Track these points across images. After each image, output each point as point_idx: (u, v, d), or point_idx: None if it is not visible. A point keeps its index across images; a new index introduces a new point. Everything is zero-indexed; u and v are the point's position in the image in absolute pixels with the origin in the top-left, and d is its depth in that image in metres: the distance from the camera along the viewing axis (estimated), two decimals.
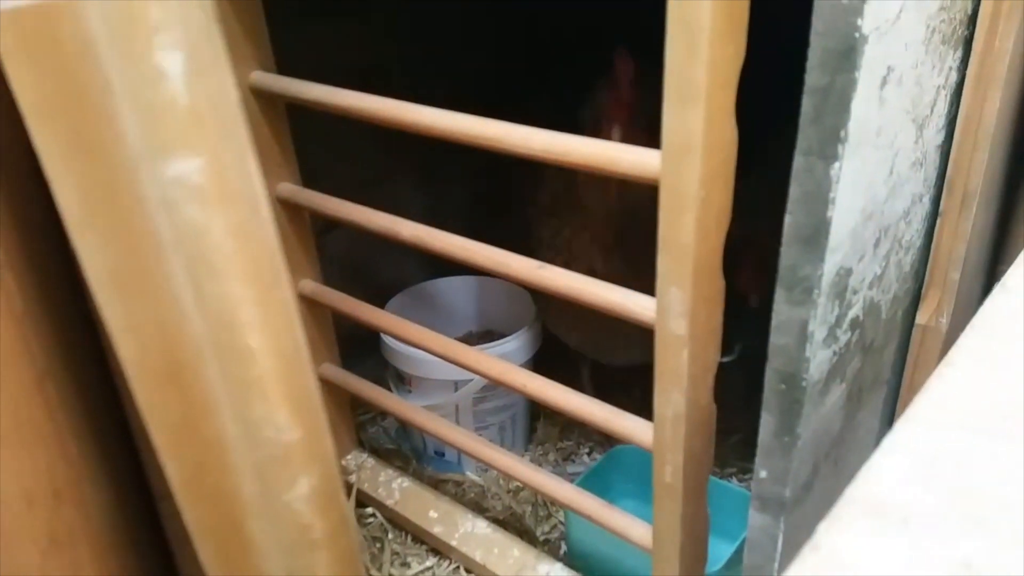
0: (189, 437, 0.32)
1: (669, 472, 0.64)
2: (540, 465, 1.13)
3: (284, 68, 0.81)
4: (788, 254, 0.54)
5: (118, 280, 0.29)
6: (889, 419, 0.82)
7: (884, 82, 0.54)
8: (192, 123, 0.25)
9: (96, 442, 0.37)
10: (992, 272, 0.88)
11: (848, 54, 0.49)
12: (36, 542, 0.32)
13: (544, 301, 1.06)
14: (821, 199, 0.52)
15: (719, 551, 0.85)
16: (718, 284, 0.56)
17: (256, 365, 0.30)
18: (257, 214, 0.28)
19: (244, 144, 0.26)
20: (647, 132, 0.81)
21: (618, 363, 1.10)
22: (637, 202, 0.94)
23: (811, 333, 0.56)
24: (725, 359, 0.61)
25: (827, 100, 0.50)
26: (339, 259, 1.13)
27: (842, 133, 0.50)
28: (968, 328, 0.48)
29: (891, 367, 0.78)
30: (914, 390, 0.79)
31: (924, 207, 0.71)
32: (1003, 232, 0.87)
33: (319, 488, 0.33)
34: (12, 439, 0.31)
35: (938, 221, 0.72)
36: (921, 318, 0.76)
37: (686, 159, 0.49)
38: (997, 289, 0.50)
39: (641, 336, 0.93)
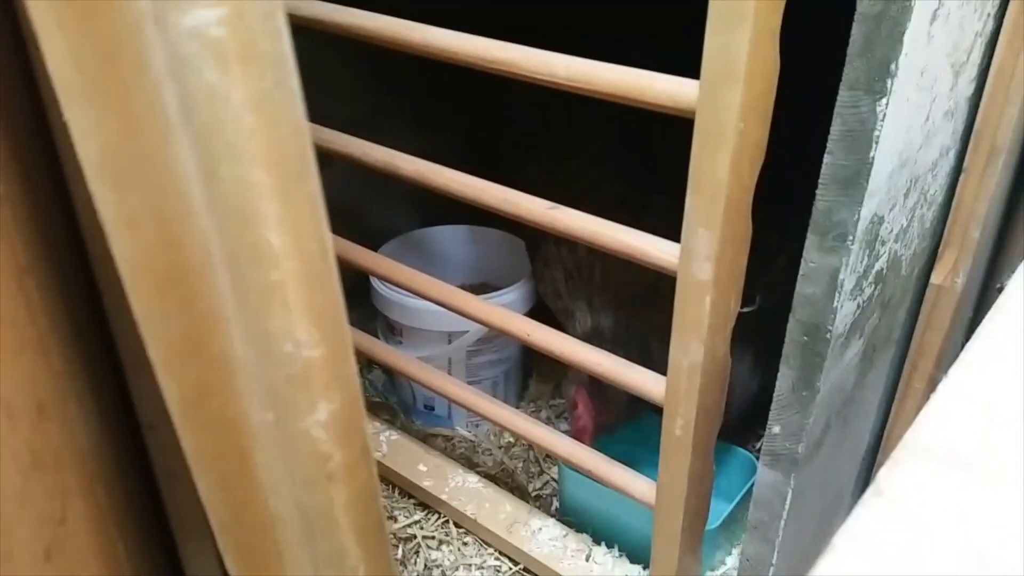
0: (193, 354, 0.28)
1: (680, 425, 0.61)
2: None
3: None
4: (824, 196, 0.51)
5: (115, 163, 0.25)
6: (895, 380, 0.80)
7: (934, 17, 0.50)
8: None
9: (82, 358, 0.33)
10: (1004, 234, 0.86)
11: None
12: (16, 461, 0.29)
13: (539, 262, 1.02)
14: (865, 137, 0.49)
15: (714, 510, 0.83)
16: (747, 226, 0.53)
17: (277, 268, 0.26)
18: (285, 85, 0.24)
19: None
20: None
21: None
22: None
23: (841, 282, 0.53)
24: (745, 309, 0.58)
25: (879, 29, 0.47)
26: (327, 202, 1.08)
27: (892, 66, 0.47)
28: (1017, 275, 0.46)
29: (902, 326, 0.76)
30: (924, 351, 0.78)
31: (950, 161, 0.69)
32: (1018, 194, 0.85)
33: (340, 414, 0.29)
34: None
35: (962, 177, 0.70)
36: (936, 277, 0.74)
37: (726, 88, 0.46)
38: None
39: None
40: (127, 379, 0.39)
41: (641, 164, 1.05)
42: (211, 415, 0.30)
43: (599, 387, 0.82)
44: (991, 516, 0.30)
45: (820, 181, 0.51)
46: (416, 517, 0.96)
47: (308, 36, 0.71)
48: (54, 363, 0.31)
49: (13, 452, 0.29)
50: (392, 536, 0.94)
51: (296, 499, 0.31)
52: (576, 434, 0.85)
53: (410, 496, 0.98)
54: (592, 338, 0.85)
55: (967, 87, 0.65)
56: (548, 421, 1.11)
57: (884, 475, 0.32)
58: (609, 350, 0.68)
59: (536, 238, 1.03)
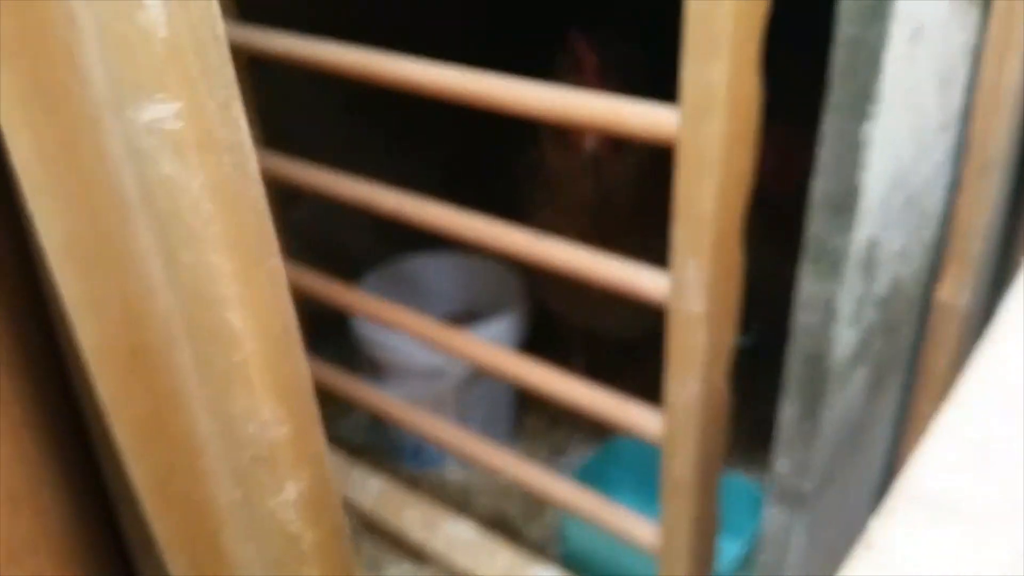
0: (159, 434, 0.29)
1: (679, 466, 0.62)
2: (530, 459, 1.11)
3: (246, 19, 0.77)
4: (815, 223, 0.53)
5: (77, 249, 0.26)
6: (902, 404, 0.82)
7: (914, 37, 0.52)
8: (171, 59, 0.22)
9: (53, 444, 0.34)
10: (1008, 247, 0.87)
11: (880, 5, 0.47)
12: None
13: (540, 279, 1.03)
14: (852, 162, 0.50)
15: (723, 548, 0.84)
16: (738, 256, 0.54)
17: (238, 349, 0.27)
18: (243, 171, 0.25)
19: (230, 86, 0.24)
20: None
21: (614, 333, 1.08)
22: (613, 187, 0.93)
23: (838, 310, 0.54)
24: (742, 341, 0.60)
25: (858, 53, 0.48)
26: (303, 233, 1.09)
27: (875, 90, 0.49)
28: (1005, 303, 0.47)
29: (908, 348, 0.78)
30: (931, 372, 0.79)
31: (945, 176, 0.70)
32: (1018, 203, 0.87)
33: (310, 492, 0.30)
34: None
35: (958, 191, 0.72)
36: (941, 294, 0.75)
37: (707, 117, 0.48)
38: None
39: (629, 312, 0.92)
40: (98, 454, 0.40)
41: None
42: (178, 496, 0.31)
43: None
44: (983, 568, 0.31)
45: (810, 207, 0.52)
46: (406, 570, 0.96)
47: (285, 68, 0.73)
48: (28, 452, 0.32)
49: None
50: None
51: None
52: (585, 82, 0.83)
53: (400, 546, 0.99)
54: None
55: (958, 101, 0.67)
56: (547, 457, 1.12)
57: (875, 527, 0.33)
58: None
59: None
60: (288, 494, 0.31)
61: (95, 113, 0.23)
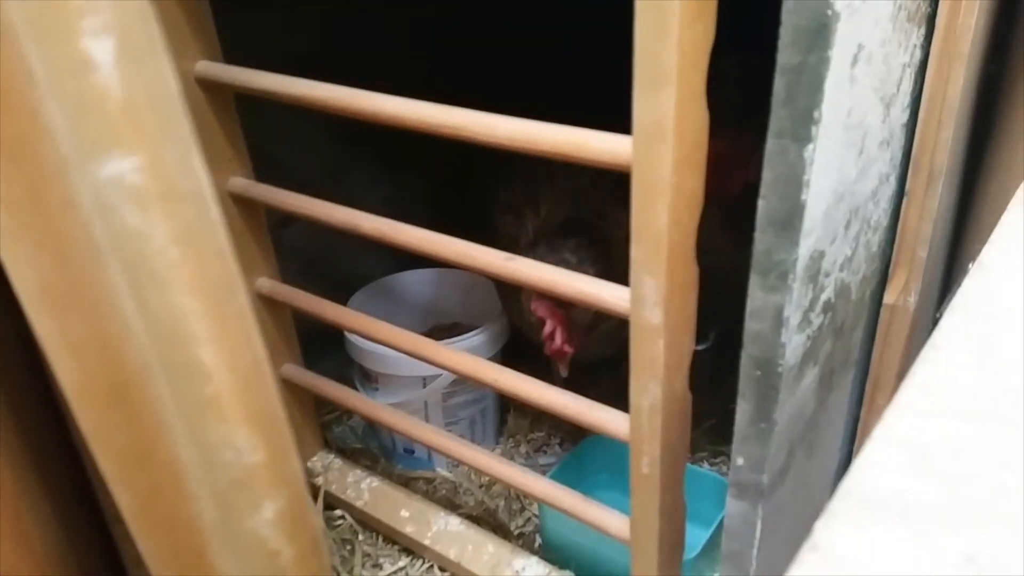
0: (140, 463, 0.29)
1: (646, 463, 0.62)
2: (512, 458, 1.11)
3: (231, 58, 0.77)
4: (762, 239, 0.53)
5: (51, 294, 0.26)
6: (859, 399, 0.82)
7: (855, 60, 0.52)
8: (126, 117, 0.22)
9: (36, 468, 0.34)
10: (954, 251, 0.88)
11: (821, 31, 0.47)
12: None
13: (508, 295, 1.03)
14: (795, 182, 0.50)
15: (693, 536, 0.84)
16: (692, 271, 0.54)
17: (210, 383, 0.27)
18: (205, 217, 0.25)
19: (187, 139, 0.24)
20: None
21: (587, 357, 1.08)
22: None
23: (786, 318, 0.55)
24: (700, 347, 0.60)
25: (800, 80, 0.48)
26: (297, 254, 1.09)
27: (816, 114, 0.49)
28: (949, 309, 0.47)
29: (860, 347, 0.78)
30: (883, 370, 0.80)
31: (891, 187, 0.71)
32: (964, 210, 0.88)
33: (286, 511, 0.30)
34: None
35: (904, 200, 0.72)
36: (889, 298, 0.76)
37: (658, 144, 0.48)
38: (974, 268, 0.49)
39: (610, 331, 0.92)
40: (90, 477, 0.39)
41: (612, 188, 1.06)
42: (164, 518, 0.31)
43: (560, 303, 0.79)
44: (928, 566, 0.30)
45: (757, 224, 0.52)
46: (401, 564, 0.96)
47: (273, 104, 0.72)
48: (10, 483, 0.32)
49: None
50: None
51: None
52: (554, 354, 0.81)
53: (394, 542, 0.98)
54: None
55: (901, 115, 0.68)
56: (527, 456, 1.12)
57: (819, 529, 0.33)
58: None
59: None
60: (266, 513, 0.31)
61: (60, 165, 0.23)
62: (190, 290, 0.25)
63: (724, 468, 1.05)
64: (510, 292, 1.02)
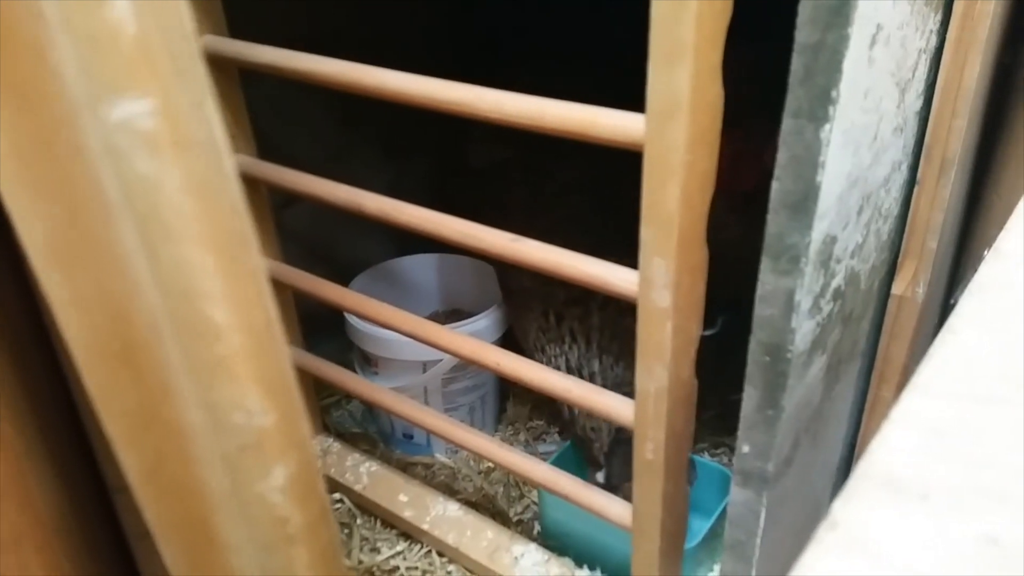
0: (148, 425, 0.29)
1: (650, 449, 0.62)
2: (511, 445, 1.10)
3: (235, 34, 0.76)
4: (775, 221, 0.52)
5: (58, 247, 0.25)
6: (864, 391, 0.82)
7: (873, 41, 0.52)
8: (141, 57, 0.21)
9: (40, 431, 0.33)
10: (963, 242, 0.88)
11: (840, 9, 0.46)
12: None
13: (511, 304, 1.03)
14: (810, 163, 0.50)
15: (693, 527, 0.84)
16: (702, 254, 0.54)
17: (222, 342, 0.26)
18: (220, 168, 0.24)
19: (202, 84, 0.23)
20: None
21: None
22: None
23: (797, 303, 0.54)
24: (708, 332, 0.59)
25: (818, 58, 0.48)
26: (299, 236, 1.08)
27: (833, 93, 0.48)
28: (965, 294, 0.47)
29: (867, 338, 0.78)
30: (890, 361, 0.79)
31: (903, 175, 0.70)
32: (974, 202, 0.87)
33: (296, 477, 0.30)
34: None
35: (916, 189, 0.71)
36: (897, 288, 0.75)
37: (671, 122, 0.47)
38: (991, 254, 0.49)
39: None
40: (92, 444, 0.39)
41: (614, 186, 1.06)
42: (170, 483, 0.31)
43: None
44: (948, 547, 0.30)
45: (770, 206, 0.52)
46: (399, 548, 0.95)
47: (277, 84, 0.72)
48: (10, 442, 0.31)
49: None
50: (376, 568, 0.94)
51: (259, 561, 0.32)
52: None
53: (392, 527, 0.98)
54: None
55: (915, 102, 0.67)
56: (526, 443, 1.11)
57: (838, 507, 0.32)
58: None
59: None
60: (276, 479, 0.30)
61: (70, 110, 0.22)
62: (202, 244, 0.24)
63: (725, 459, 1.05)
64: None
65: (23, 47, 0.21)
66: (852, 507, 0.32)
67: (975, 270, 0.74)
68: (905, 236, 0.73)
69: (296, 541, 0.31)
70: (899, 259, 0.75)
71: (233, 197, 0.25)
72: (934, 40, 0.66)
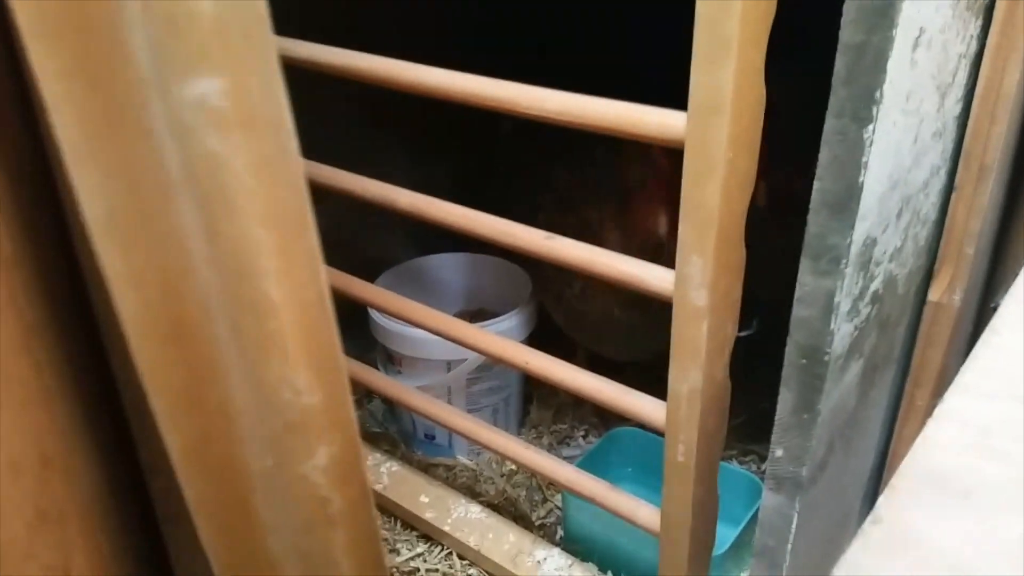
0: (195, 402, 0.29)
1: (682, 451, 0.62)
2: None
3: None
4: (815, 222, 0.52)
5: (118, 223, 0.26)
6: (897, 398, 0.81)
7: (916, 44, 0.52)
8: (216, 36, 0.22)
9: (85, 410, 0.34)
10: (1000, 245, 0.87)
11: (886, 10, 0.47)
12: (22, 515, 0.30)
13: (543, 287, 1.04)
14: (853, 163, 0.50)
15: (721, 534, 0.84)
16: (740, 253, 0.54)
17: (275, 318, 0.27)
18: (285, 147, 0.25)
19: (272, 64, 0.24)
20: None
21: (613, 357, 1.08)
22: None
23: (837, 304, 0.54)
24: (743, 333, 0.59)
25: (862, 59, 0.48)
26: (322, 235, 1.09)
27: (877, 94, 0.48)
28: (1008, 296, 0.47)
29: (902, 344, 0.77)
30: (925, 368, 0.79)
31: (941, 180, 0.70)
32: (1011, 208, 0.86)
33: (339, 458, 0.30)
34: None
35: (953, 195, 0.71)
36: (933, 295, 0.75)
37: (714, 119, 0.47)
38: None
39: (645, 332, 0.92)
40: (130, 426, 0.40)
41: None
42: (213, 462, 0.31)
43: None
44: (991, 543, 0.30)
45: (811, 206, 0.52)
46: (419, 550, 0.96)
47: (304, 74, 0.72)
48: (59, 418, 0.32)
49: (18, 507, 0.30)
50: (395, 570, 0.94)
51: (296, 542, 0.32)
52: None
53: (412, 528, 0.98)
54: None
55: (954, 107, 0.67)
56: (550, 447, 1.11)
57: (883, 503, 0.32)
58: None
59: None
60: (319, 459, 0.31)
61: (138, 90, 0.23)
62: (264, 222, 0.25)
63: (755, 467, 1.05)
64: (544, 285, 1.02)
65: (97, 26, 0.21)
66: (896, 501, 0.32)
67: (1013, 275, 0.74)
68: (942, 242, 0.73)
69: (335, 523, 0.31)
70: (936, 265, 0.74)
71: (295, 175, 0.26)
72: (974, 45, 0.66)
